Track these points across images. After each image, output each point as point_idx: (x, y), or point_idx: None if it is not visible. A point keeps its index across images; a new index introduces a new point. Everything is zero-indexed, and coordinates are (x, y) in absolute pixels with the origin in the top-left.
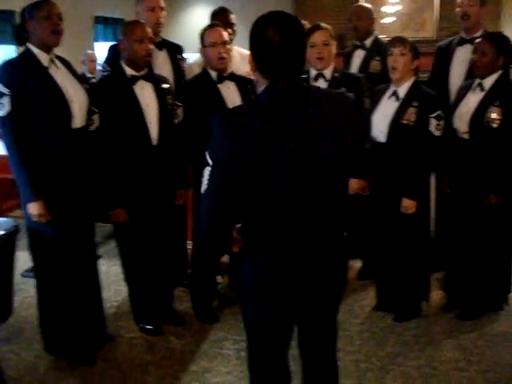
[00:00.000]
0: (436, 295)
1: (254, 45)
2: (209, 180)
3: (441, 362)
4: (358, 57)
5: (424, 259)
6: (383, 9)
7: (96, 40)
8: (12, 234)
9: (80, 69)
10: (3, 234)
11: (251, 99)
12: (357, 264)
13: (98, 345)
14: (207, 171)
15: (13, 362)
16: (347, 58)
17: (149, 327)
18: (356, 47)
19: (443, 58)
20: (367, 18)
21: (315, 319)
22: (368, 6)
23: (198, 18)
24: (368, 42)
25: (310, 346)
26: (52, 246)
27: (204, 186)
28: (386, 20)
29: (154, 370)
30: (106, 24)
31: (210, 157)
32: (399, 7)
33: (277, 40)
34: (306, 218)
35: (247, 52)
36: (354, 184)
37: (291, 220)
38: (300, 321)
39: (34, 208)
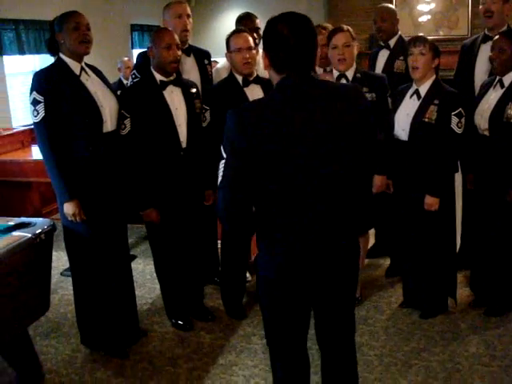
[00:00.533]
0: (463, 292)
1: (268, 43)
2: (223, 172)
3: (465, 357)
4: (383, 57)
5: (450, 256)
6: (419, 7)
7: (133, 47)
8: (49, 233)
9: (117, 75)
10: (40, 232)
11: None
12: (385, 262)
13: (131, 339)
14: (222, 164)
15: (51, 355)
16: (372, 58)
17: (180, 322)
18: (380, 47)
19: (468, 55)
20: (391, 19)
21: (330, 307)
22: (392, 6)
23: (228, 23)
24: (392, 42)
25: (326, 335)
26: (86, 244)
27: (219, 178)
28: (422, 18)
29: (184, 362)
30: (142, 31)
31: (225, 150)
32: (433, 5)
33: (290, 37)
34: (317, 208)
35: None
36: (378, 181)
37: (303, 210)
38: (316, 309)
39: (68, 208)
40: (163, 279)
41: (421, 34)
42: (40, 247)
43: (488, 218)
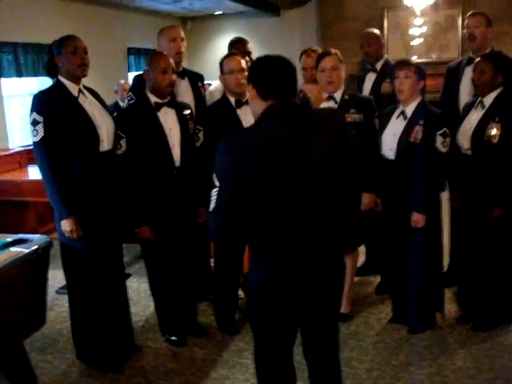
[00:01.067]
0: (452, 308)
1: (256, 74)
2: (217, 198)
3: (452, 370)
4: (370, 80)
5: (437, 272)
6: (410, 31)
7: (129, 70)
8: (46, 249)
9: (114, 97)
10: (37, 248)
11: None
12: (376, 279)
13: (126, 354)
14: (214, 191)
15: (47, 370)
16: (359, 81)
17: (173, 338)
18: (367, 71)
19: (453, 77)
20: (376, 43)
21: (315, 321)
22: (376, 31)
23: (222, 47)
24: (378, 65)
25: (312, 348)
26: (83, 261)
27: (212, 205)
28: (414, 42)
29: (177, 377)
30: (139, 54)
31: (217, 177)
32: (425, 29)
33: (278, 67)
34: (306, 227)
35: None
36: (366, 199)
37: (293, 229)
38: (302, 323)
39: (66, 224)
40: (157, 296)
41: (406, 58)
42: (37, 263)
43: (474, 236)
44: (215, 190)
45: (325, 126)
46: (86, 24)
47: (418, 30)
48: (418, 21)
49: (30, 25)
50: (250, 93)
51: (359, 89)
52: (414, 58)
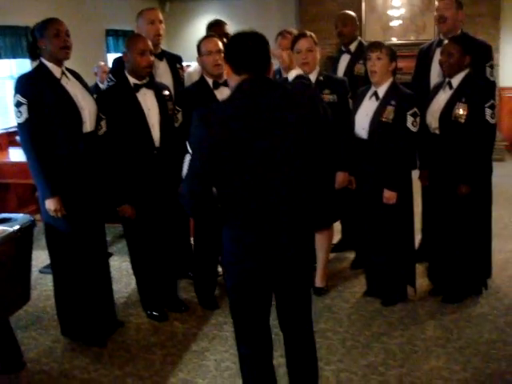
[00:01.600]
0: (424, 282)
1: (230, 51)
2: (189, 166)
3: (422, 339)
4: (344, 61)
5: (408, 247)
6: (388, 12)
7: (108, 51)
8: (29, 228)
9: (93, 79)
10: (20, 228)
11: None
12: (351, 255)
13: (109, 329)
14: (187, 158)
15: (32, 346)
16: (334, 62)
17: (155, 313)
18: (342, 52)
19: (424, 59)
20: (351, 25)
21: (288, 292)
22: (351, 13)
23: (201, 29)
24: (352, 46)
25: (286, 318)
26: (67, 239)
27: (184, 171)
28: (391, 24)
29: (159, 350)
30: (117, 36)
31: (191, 146)
32: (402, 11)
33: (249, 42)
34: (275, 194)
35: None
36: (339, 177)
37: (262, 197)
38: (275, 293)
39: (50, 203)
40: (139, 273)
41: (378, 40)
42: (20, 241)
43: (442, 212)
44: (187, 156)
45: (295, 100)
46: (64, 6)
47: (396, 11)
48: (396, 2)
49: (8, 7)
50: (225, 70)
51: (334, 70)
52: (394, 40)
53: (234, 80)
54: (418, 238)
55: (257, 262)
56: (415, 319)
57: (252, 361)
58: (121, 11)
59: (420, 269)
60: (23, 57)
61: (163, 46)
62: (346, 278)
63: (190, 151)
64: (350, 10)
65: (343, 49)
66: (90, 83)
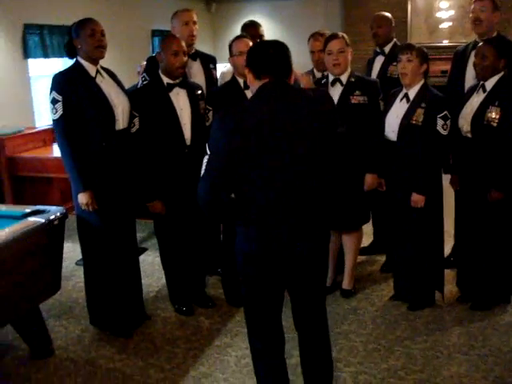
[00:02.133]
0: (454, 289)
1: (251, 57)
2: (206, 167)
3: (445, 346)
4: (378, 62)
5: (437, 252)
6: (438, 14)
7: (153, 52)
8: (61, 219)
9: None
10: (53, 218)
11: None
12: (382, 258)
13: (136, 322)
14: (205, 159)
15: (62, 334)
16: (370, 64)
17: (182, 308)
18: (376, 53)
19: (460, 61)
20: (386, 26)
21: (302, 290)
22: (388, 14)
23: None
24: (387, 48)
25: (300, 317)
26: (98, 233)
27: (202, 171)
28: (437, 26)
29: (182, 343)
30: (163, 36)
31: (209, 147)
32: (450, 12)
33: (270, 48)
34: (289, 196)
35: None
36: (368, 179)
37: (276, 199)
38: (290, 293)
39: (82, 198)
40: (168, 268)
41: (410, 42)
42: (53, 232)
43: (473, 218)
44: (206, 157)
45: (313, 106)
46: (110, 6)
47: (444, 13)
48: (444, 4)
49: (56, 7)
50: (248, 76)
51: (369, 71)
52: (445, 42)
53: (255, 86)
54: (451, 243)
55: (269, 260)
56: (441, 325)
57: (263, 355)
58: (167, 11)
59: (452, 275)
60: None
61: (208, 47)
62: (374, 281)
63: (208, 152)
64: (395, 12)
65: (378, 50)
66: (134, 82)
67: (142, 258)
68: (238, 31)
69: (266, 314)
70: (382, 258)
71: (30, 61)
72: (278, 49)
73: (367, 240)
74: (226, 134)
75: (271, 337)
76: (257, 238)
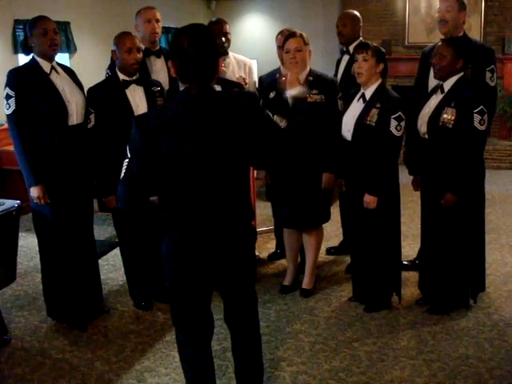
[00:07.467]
0: (415, 291)
1: (174, 53)
2: (125, 169)
3: (393, 349)
4: (344, 61)
5: (394, 254)
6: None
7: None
8: (16, 211)
9: None
10: (8, 210)
11: (169, 103)
12: (349, 259)
13: (92, 314)
14: (125, 162)
15: (21, 325)
16: (337, 63)
17: (141, 303)
18: (343, 53)
19: (425, 62)
20: (352, 25)
21: (229, 285)
22: (355, 13)
23: (247, 26)
24: (352, 47)
25: (230, 313)
26: (52, 225)
27: (122, 174)
28: (436, 25)
29: (134, 337)
30: (163, 33)
31: (129, 150)
32: None
33: (191, 50)
34: (214, 198)
35: (242, 58)
36: (325, 178)
37: (202, 201)
38: (218, 288)
39: (34, 191)
40: (127, 262)
41: (366, 41)
42: (6, 224)
43: (434, 220)
44: (126, 160)
45: (236, 110)
46: (107, 4)
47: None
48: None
49: (46, 3)
50: (171, 68)
51: (336, 71)
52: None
53: (181, 84)
54: (418, 246)
55: (195, 264)
56: (393, 328)
57: (186, 347)
58: (166, 8)
59: (416, 277)
60: (62, 51)
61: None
62: (336, 282)
63: (128, 155)
64: (393, 11)
65: (344, 49)
66: None
67: (113, 252)
68: (238, 28)
69: (191, 309)
70: (349, 259)
71: (20, 56)
72: (201, 50)
73: (337, 240)
74: (145, 136)
75: (196, 329)
76: (185, 237)
